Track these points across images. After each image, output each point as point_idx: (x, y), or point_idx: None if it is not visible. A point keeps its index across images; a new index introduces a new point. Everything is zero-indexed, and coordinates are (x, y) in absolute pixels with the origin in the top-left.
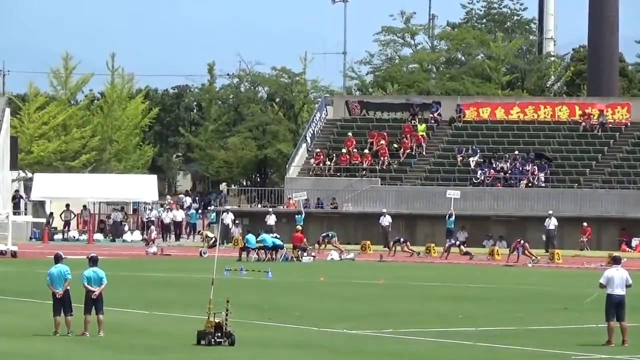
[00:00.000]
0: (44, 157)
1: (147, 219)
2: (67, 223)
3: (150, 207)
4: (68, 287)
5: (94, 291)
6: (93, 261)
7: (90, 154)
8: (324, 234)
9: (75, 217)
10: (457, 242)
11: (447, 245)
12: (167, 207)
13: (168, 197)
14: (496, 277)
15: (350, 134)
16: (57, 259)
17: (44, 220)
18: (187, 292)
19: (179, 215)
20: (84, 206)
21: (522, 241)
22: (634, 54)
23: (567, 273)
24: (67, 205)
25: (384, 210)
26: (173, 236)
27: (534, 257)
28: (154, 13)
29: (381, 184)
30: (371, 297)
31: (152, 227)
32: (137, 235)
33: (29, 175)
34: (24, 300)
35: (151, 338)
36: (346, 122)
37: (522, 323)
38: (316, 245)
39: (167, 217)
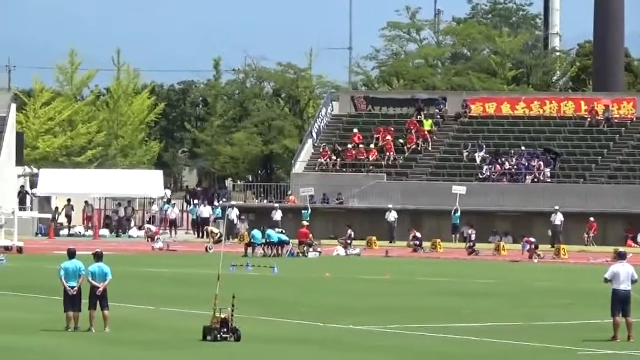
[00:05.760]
0: (50, 152)
1: (148, 214)
2: (69, 218)
3: (149, 201)
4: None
5: (99, 287)
6: (98, 257)
7: (96, 150)
8: (349, 232)
9: (74, 211)
10: (471, 242)
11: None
12: (174, 202)
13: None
14: (501, 272)
15: (355, 129)
16: (72, 254)
17: (49, 215)
18: (193, 288)
19: (206, 211)
20: (86, 202)
21: (533, 244)
22: (639, 49)
23: (572, 268)
24: (69, 200)
25: (390, 206)
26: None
27: (539, 254)
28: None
29: (387, 180)
30: (377, 293)
31: (149, 225)
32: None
33: (35, 170)
34: (29, 296)
35: (157, 333)
36: (352, 117)
37: (528, 318)
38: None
39: (172, 213)
